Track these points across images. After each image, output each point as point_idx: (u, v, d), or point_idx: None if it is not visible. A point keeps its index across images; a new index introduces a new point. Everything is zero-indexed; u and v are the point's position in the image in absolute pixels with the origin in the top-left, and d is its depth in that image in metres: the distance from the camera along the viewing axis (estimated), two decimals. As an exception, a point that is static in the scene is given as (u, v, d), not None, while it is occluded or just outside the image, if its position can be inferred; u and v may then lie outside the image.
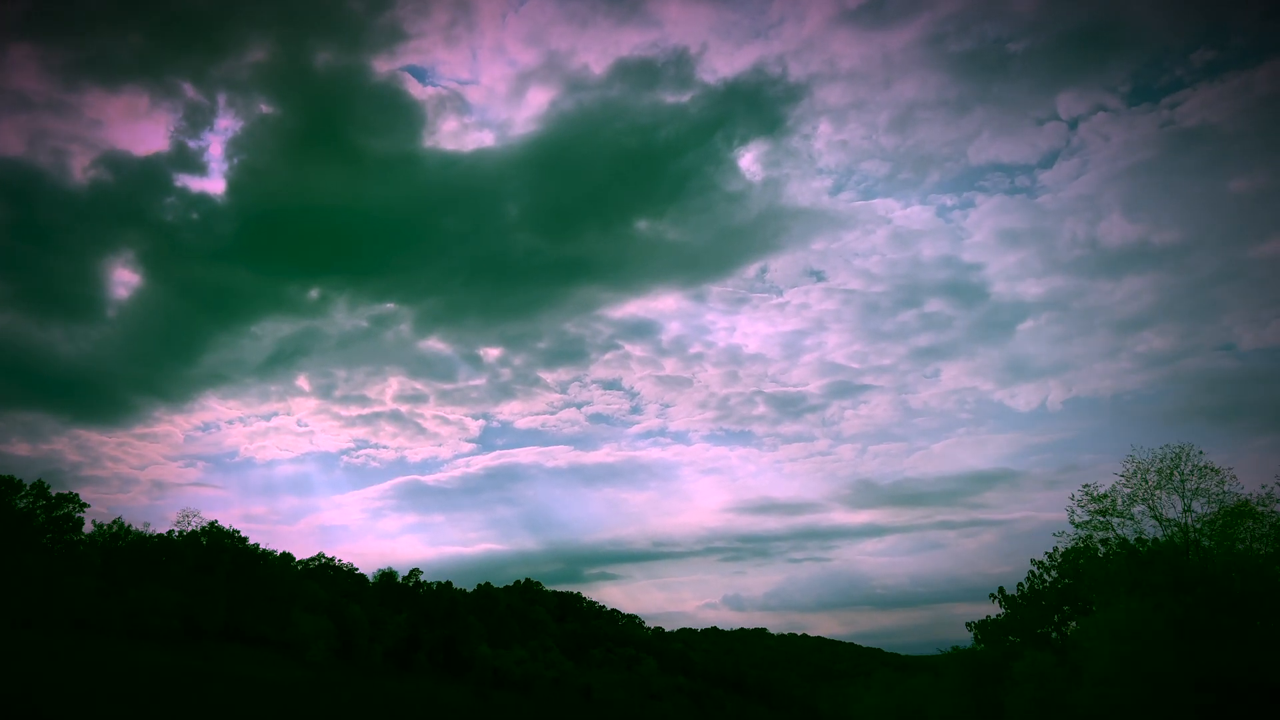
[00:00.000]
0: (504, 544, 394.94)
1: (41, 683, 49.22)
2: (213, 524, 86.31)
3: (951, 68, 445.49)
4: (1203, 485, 36.21)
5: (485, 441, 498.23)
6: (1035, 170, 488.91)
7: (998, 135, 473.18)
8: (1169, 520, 36.67)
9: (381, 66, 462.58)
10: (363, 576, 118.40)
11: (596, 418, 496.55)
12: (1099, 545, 38.86)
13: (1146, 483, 36.94)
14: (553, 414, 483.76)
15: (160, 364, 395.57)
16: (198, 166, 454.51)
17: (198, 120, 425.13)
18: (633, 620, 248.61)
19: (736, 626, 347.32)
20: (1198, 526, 36.01)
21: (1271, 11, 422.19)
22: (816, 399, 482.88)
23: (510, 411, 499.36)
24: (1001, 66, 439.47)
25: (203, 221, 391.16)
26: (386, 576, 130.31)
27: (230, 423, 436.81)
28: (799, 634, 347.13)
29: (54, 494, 74.72)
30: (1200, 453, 36.63)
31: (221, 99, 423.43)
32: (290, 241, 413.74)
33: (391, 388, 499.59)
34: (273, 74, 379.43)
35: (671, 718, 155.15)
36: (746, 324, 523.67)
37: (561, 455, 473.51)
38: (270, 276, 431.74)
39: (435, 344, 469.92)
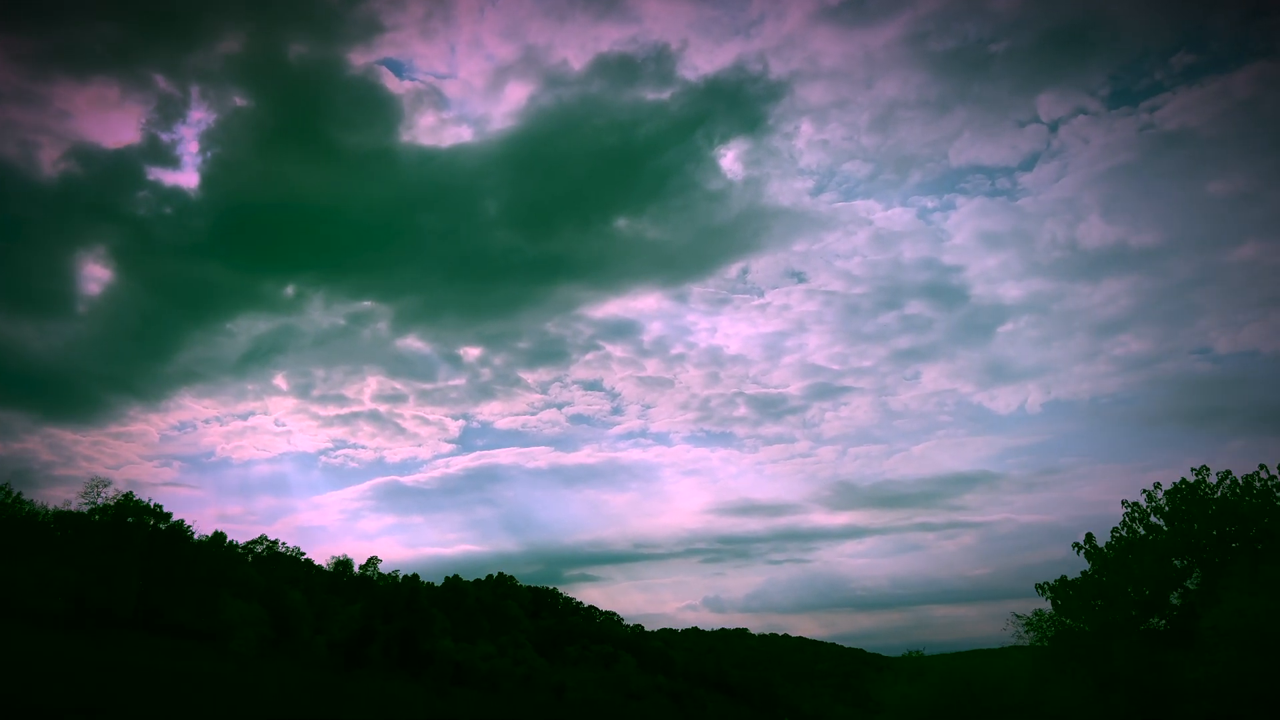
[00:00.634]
0: (483, 545, 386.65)
1: None
2: (127, 495, 74.99)
3: (932, 67, 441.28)
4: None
5: (465, 442, 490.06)
6: (1015, 172, 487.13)
7: (978, 136, 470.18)
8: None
9: (358, 59, 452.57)
10: (311, 563, 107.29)
11: (577, 418, 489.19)
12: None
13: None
14: (533, 414, 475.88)
15: (133, 361, 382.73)
16: (170, 160, 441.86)
17: (170, 112, 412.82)
18: (611, 617, 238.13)
19: (717, 628, 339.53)
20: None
21: (1250, 15, 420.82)
22: (797, 400, 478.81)
23: (490, 412, 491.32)
24: (982, 66, 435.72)
25: (176, 216, 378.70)
26: (341, 565, 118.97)
27: (207, 422, 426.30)
28: (780, 634, 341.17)
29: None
30: None
31: (194, 91, 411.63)
32: (265, 237, 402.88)
33: (370, 387, 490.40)
34: (247, 66, 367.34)
35: (651, 717, 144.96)
36: (728, 325, 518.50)
37: (542, 456, 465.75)
38: (245, 272, 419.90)
39: (414, 343, 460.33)
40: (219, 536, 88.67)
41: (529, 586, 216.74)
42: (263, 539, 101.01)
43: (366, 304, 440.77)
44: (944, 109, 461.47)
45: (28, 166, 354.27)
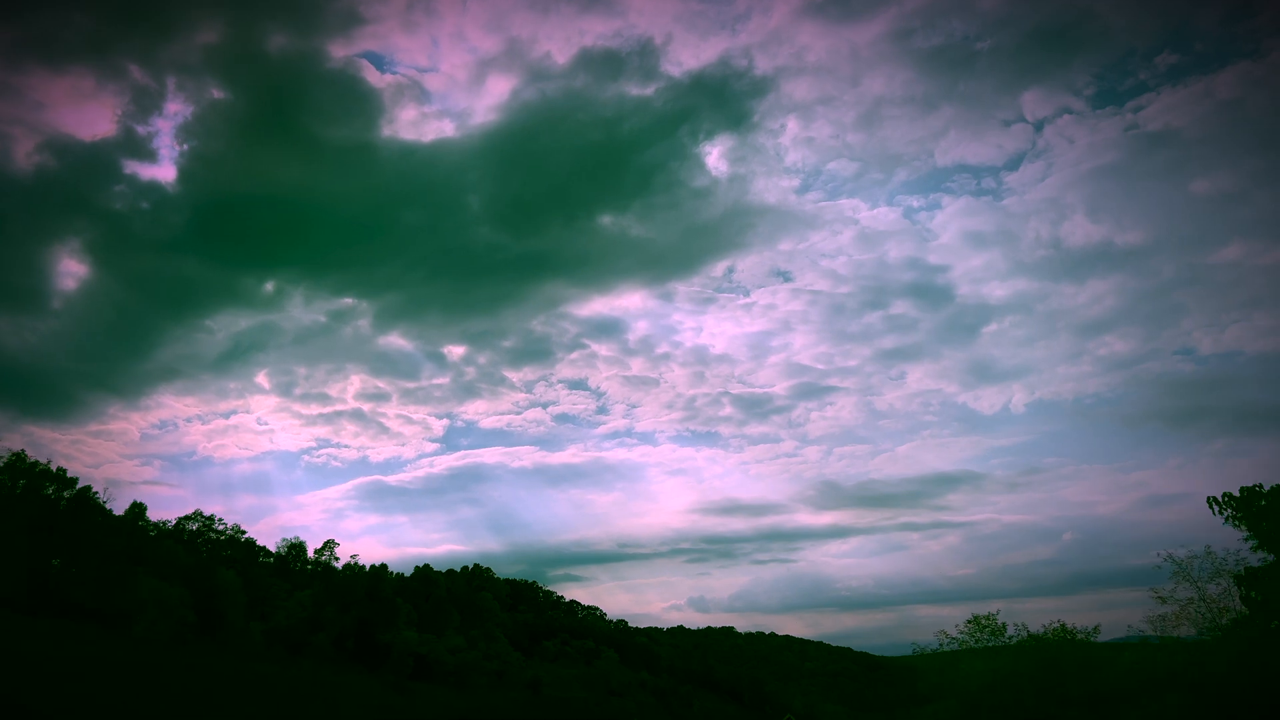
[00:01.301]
0: (467, 545, 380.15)
1: None
2: (17, 455, 63.93)
3: (918, 64, 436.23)
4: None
5: (449, 441, 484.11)
6: (1001, 172, 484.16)
7: (964, 135, 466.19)
8: None
9: (338, 51, 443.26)
10: (254, 544, 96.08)
11: (562, 418, 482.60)
12: None
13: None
14: (518, 414, 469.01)
15: (111, 358, 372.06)
16: (147, 153, 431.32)
17: (146, 104, 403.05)
18: (593, 612, 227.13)
19: (703, 627, 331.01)
20: None
21: (1232, 16, 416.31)
22: (783, 400, 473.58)
23: (475, 411, 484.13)
24: (968, 64, 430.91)
25: (153, 211, 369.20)
26: (294, 549, 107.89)
27: (188, 420, 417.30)
28: (767, 632, 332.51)
29: None
30: None
31: (171, 82, 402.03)
32: (244, 232, 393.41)
33: (353, 385, 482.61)
34: (224, 57, 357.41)
35: (633, 715, 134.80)
36: (713, 324, 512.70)
37: (527, 456, 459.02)
38: (224, 268, 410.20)
39: (396, 340, 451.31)
40: (137, 508, 77.90)
41: (507, 579, 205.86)
42: (197, 514, 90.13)
43: (347, 301, 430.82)
44: (930, 106, 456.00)
45: (1, 158, 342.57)
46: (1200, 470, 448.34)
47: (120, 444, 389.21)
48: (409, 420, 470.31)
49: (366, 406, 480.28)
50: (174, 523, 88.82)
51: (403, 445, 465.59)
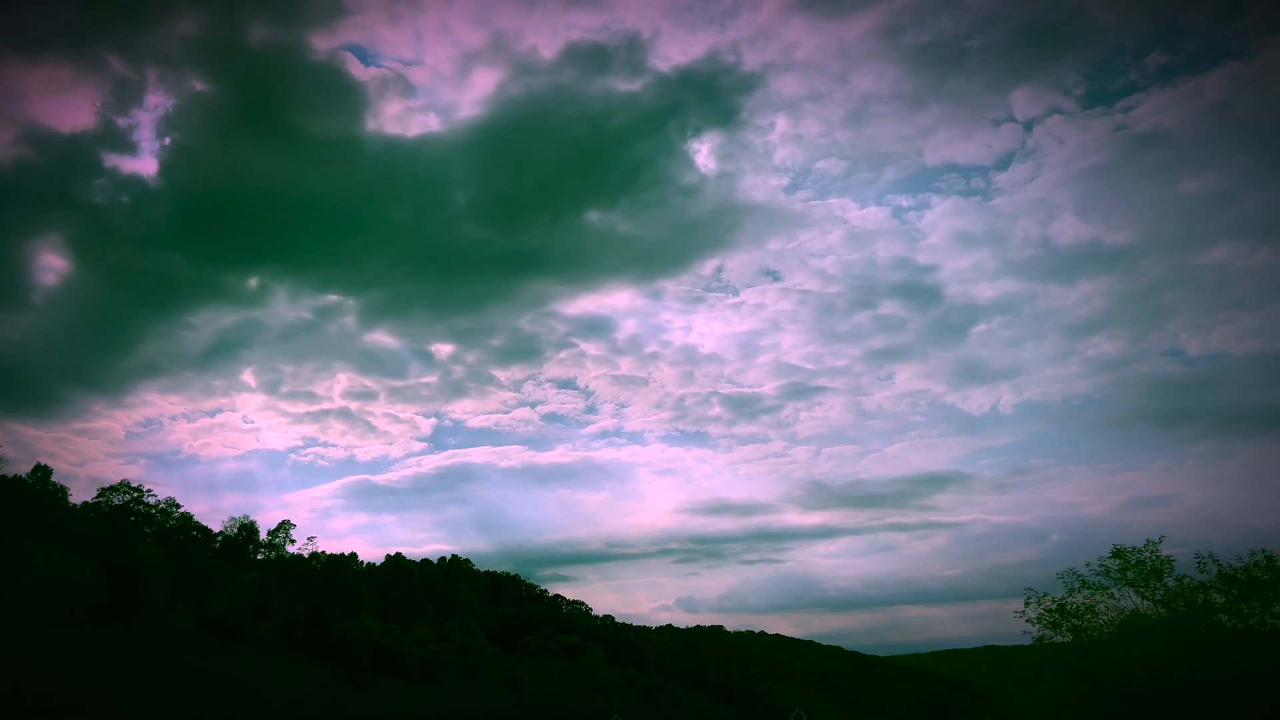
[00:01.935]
0: (454, 545, 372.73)
1: None
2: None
3: (907, 61, 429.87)
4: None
5: (437, 440, 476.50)
6: (990, 172, 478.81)
7: (953, 134, 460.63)
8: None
9: (320, 44, 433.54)
10: (191, 519, 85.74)
11: (551, 417, 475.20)
12: None
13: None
14: (506, 413, 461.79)
15: (93, 354, 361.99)
16: (127, 146, 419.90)
17: (126, 96, 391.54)
18: (579, 606, 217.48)
19: (692, 626, 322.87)
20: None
21: (1222, 16, 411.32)
22: (772, 400, 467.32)
23: (463, 410, 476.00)
24: (957, 61, 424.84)
25: (134, 205, 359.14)
26: (245, 530, 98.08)
27: (174, 419, 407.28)
28: (757, 631, 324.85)
29: None
30: None
31: (151, 74, 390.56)
32: (226, 227, 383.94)
33: (340, 384, 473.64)
34: (205, 48, 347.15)
35: (618, 712, 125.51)
36: (703, 323, 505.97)
37: (515, 455, 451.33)
38: (206, 263, 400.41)
39: (383, 338, 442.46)
40: (41, 471, 67.99)
41: (487, 571, 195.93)
42: (123, 484, 79.67)
43: (332, 297, 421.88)
44: (919, 104, 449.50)
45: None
46: (1187, 471, 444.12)
47: (105, 442, 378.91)
48: (396, 419, 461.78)
49: (354, 405, 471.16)
50: (96, 493, 79.11)
51: (390, 444, 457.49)
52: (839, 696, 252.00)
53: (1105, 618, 34.99)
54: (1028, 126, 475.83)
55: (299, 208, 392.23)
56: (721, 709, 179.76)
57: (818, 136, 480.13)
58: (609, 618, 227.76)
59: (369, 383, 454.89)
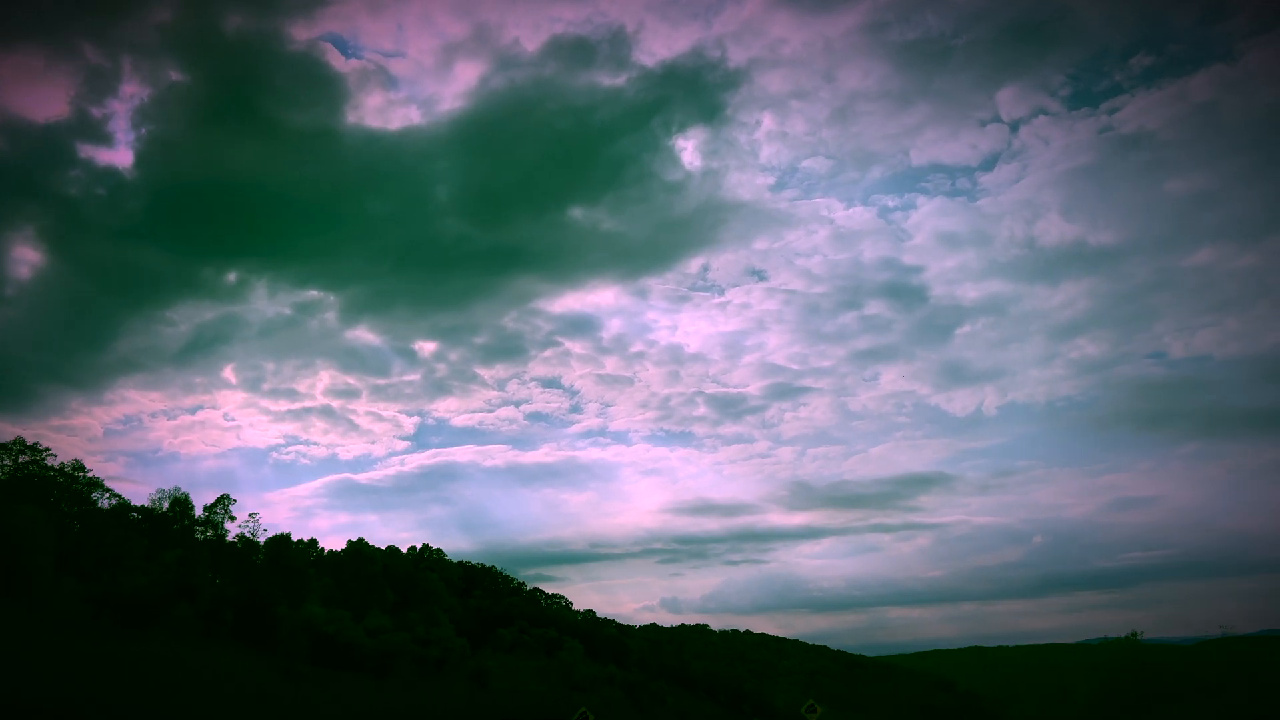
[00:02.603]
0: (437, 544, 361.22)
1: None
2: None
3: (893, 58, 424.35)
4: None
5: (420, 439, 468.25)
6: (976, 172, 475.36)
7: (939, 134, 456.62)
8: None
9: (299, 34, 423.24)
10: (101, 483, 74.70)
11: (535, 416, 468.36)
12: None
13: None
14: (490, 412, 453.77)
15: (69, 350, 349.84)
16: (102, 136, 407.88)
17: (100, 86, 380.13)
18: (558, 600, 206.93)
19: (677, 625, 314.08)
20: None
21: (1206, 18, 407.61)
22: (757, 400, 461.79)
23: (446, 409, 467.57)
24: (943, 59, 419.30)
25: (109, 196, 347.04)
26: (177, 504, 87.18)
27: (153, 416, 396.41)
28: (742, 630, 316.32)
29: None
30: None
31: (126, 63, 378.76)
32: (204, 220, 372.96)
33: (322, 381, 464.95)
34: (180, 37, 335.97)
35: (597, 710, 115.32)
36: (688, 323, 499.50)
37: (499, 454, 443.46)
38: (184, 257, 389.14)
39: (365, 335, 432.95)
40: None
41: (460, 562, 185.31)
42: (18, 442, 67.86)
43: (312, 293, 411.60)
44: (905, 102, 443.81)
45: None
46: (1170, 473, 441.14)
47: (83, 440, 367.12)
48: (379, 418, 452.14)
49: (336, 403, 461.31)
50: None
51: (373, 443, 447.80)
52: (827, 697, 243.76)
53: None
54: (1013, 127, 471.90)
55: (278, 201, 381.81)
56: (707, 708, 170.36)
57: (804, 134, 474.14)
58: (590, 613, 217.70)
59: (351, 380, 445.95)
